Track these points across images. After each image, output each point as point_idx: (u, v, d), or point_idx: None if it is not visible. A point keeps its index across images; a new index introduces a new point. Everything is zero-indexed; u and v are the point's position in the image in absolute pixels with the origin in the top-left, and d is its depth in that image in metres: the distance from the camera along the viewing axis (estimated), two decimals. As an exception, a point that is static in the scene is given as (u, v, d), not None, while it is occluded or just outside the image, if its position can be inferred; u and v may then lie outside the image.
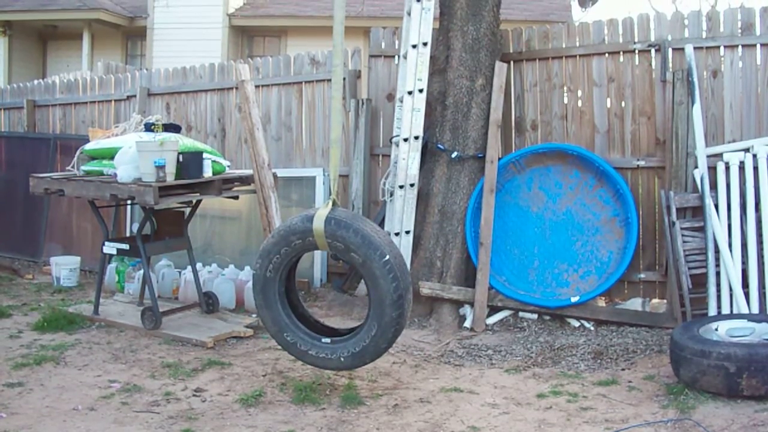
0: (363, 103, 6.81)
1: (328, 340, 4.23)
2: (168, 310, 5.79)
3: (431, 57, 6.10)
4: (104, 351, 5.12)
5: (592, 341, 5.31)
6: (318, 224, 4.01)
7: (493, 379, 4.62)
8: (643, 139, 6.02)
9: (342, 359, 4.15)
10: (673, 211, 5.45)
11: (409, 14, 6.14)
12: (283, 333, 4.26)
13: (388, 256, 3.97)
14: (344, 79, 6.79)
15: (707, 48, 5.75)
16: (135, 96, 8.21)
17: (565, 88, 6.33)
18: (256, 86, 7.08)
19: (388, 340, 4.08)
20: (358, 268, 4.10)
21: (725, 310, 5.13)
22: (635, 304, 5.90)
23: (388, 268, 3.95)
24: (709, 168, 5.46)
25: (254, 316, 5.83)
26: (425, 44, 6.01)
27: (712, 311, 5.15)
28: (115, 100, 8.51)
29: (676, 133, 5.66)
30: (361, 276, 6.11)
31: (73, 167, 5.96)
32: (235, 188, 5.88)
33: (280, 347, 4.49)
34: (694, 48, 5.67)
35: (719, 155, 5.52)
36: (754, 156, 5.32)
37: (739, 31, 5.67)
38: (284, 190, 7.01)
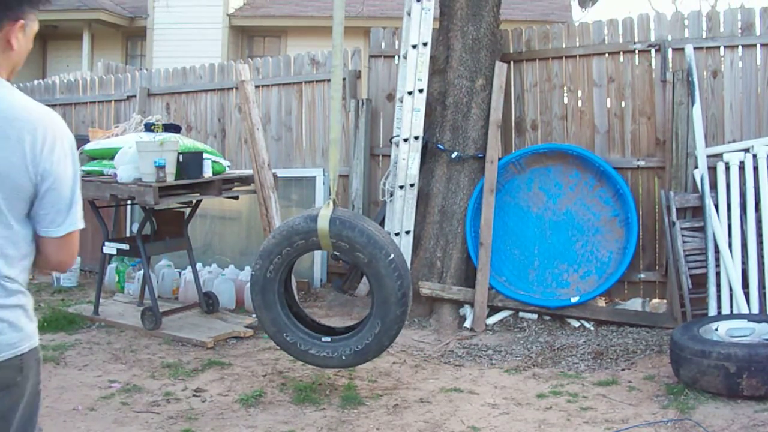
0: (363, 103, 6.80)
1: (328, 338, 4.24)
2: (168, 310, 5.79)
3: (431, 57, 6.10)
4: (104, 351, 5.12)
5: (592, 341, 5.31)
6: (323, 224, 4.01)
7: (493, 379, 4.61)
8: (643, 139, 6.02)
9: (344, 357, 4.16)
10: (673, 211, 5.45)
11: (409, 14, 6.14)
12: (282, 333, 4.26)
13: (392, 255, 4.01)
14: (344, 79, 6.79)
15: (707, 48, 5.75)
16: (135, 96, 8.20)
17: (565, 89, 6.33)
18: (256, 86, 7.08)
19: (391, 337, 4.12)
20: (362, 268, 4.12)
21: (725, 311, 5.13)
22: (635, 304, 5.90)
23: (393, 267, 3.99)
24: (709, 168, 5.46)
25: (254, 316, 5.81)
26: (425, 44, 6.01)
27: (712, 311, 5.15)
28: (115, 101, 8.51)
29: (676, 133, 5.66)
30: (361, 276, 6.13)
31: (73, 167, 5.95)
32: (235, 188, 5.88)
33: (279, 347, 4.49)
34: (694, 48, 5.67)
35: (719, 155, 5.51)
36: (754, 156, 5.32)
37: (739, 31, 5.67)
38: (284, 190, 7.00)
